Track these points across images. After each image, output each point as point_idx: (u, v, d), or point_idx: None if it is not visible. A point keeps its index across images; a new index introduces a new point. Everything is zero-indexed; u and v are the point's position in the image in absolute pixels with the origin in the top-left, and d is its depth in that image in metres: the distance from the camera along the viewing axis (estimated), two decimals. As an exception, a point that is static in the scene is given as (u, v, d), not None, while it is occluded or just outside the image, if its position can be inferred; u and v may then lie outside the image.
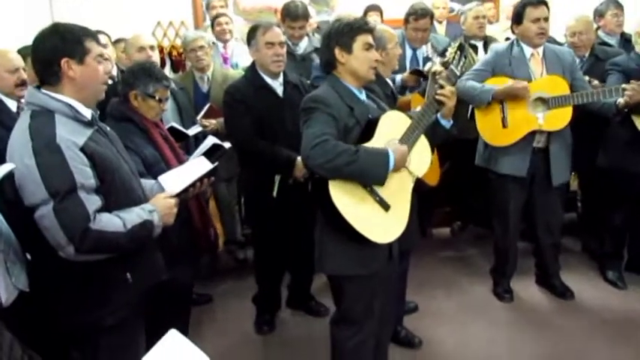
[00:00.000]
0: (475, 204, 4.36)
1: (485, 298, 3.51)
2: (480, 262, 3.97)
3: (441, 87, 2.35)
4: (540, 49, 3.19)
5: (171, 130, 2.82)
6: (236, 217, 4.02)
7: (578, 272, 3.72)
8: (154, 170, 2.33)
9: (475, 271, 3.86)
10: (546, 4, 3.16)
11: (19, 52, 2.85)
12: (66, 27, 1.78)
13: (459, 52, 2.46)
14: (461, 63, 2.47)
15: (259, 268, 3.29)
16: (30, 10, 5.03)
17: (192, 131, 3.16)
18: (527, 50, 3.18)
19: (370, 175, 2.11)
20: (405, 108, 3.08)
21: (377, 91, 2.68)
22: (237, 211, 4.06)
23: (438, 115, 2.39)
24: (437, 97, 2.34)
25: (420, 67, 3.71)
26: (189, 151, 2.97)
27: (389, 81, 3.13)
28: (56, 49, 1.73)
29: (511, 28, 3.32)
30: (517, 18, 3.18)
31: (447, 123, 2.41)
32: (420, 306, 3.37)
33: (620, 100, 3.04)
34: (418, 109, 2.50)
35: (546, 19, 3.13)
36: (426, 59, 3.65)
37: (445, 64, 2.46)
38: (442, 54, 3.65)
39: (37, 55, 1.76)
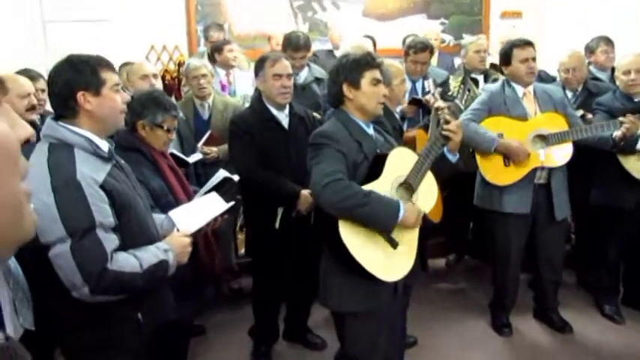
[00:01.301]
0: (470, 235, 4.37)
1: (484, 332, 3.49)
2: (476, 295, 3.95)
3: (447, 122, 2.36)
4: (531, 88, 3.25)
5: (172, 156, 2.77)
6: (232, 246, 3.96)
7: (575, 306, 3.72)
8: (161, 202, 2.29)
9: (472, 303, 3.84)
10: (532, 45, 3.23)
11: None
12: (80, 58, 1.74)
13: (462, 86, 2.48)
14: (465, 97, 2.50)
15: (257, 299, 3.24)
16: (24, 35, 5.00)
17: (193, 159, 3.13)
18: (519, 90, 3.23)
19: (378, 222, 2.12)
20: (410, 144, 3.09)
21: (385, 124, 2.69)
22: (233, 240, 4.00)
23: (445, 149, 2.40)
24: (443, 132, 2.34)
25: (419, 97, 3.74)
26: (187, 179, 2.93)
27: (396, 114, 3.14)
28: (71, 82, 1.70)
29: (500, 69, 3.38)
30: (505, 59, 3.23)
31: (453, 157, 2.42)
32: (419, 340, 3.33)
33: (618, 133, 3.10)
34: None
35: (534, 59, 3.20)
36: (427, 94, 3.68)
37: (445, 96, 2.48)
38: (441, 85, 3.70)
39: (52, 89, 1.72)
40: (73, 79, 1.70)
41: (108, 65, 1.78)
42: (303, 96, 3.70)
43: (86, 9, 5.30)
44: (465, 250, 4.50)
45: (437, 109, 3.00)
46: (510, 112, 3.18)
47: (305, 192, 2.78)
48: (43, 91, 3.11)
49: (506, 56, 3.22)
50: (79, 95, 1.70)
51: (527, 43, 3.20)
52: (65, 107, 1.72)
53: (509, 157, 3.14)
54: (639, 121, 3.07)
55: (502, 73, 3.36)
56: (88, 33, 5.19)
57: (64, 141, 1.68)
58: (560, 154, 3.12)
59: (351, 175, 2.14)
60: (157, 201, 2.30)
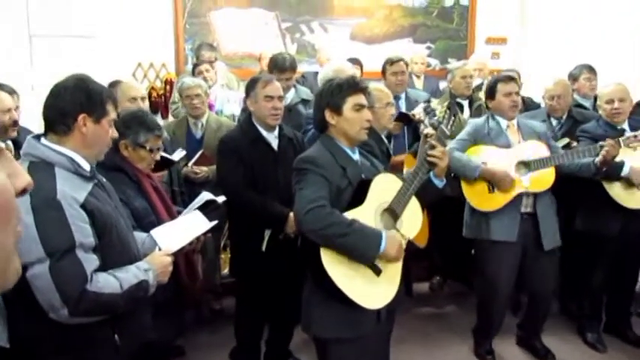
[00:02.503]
0: (454, 259, 4.36)
1: (467, 358, 3.46)
2: (460, 319, 3.92)
3: (432, 147, 2.34)
4: (514, 121, 3.29)
5: None
6: (216, 266, 3.91)
7: (558, 333, 3.70)
8: (144, 223, 2.25)
9: (456, 328, 3.81)
10: (515, 80, 3.31)
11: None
12: (94, 86, 1.78)
13: (448, 111, 2.48)
14: (451, 122, 2.49)
15: (240, 321, 3.20)
16: (9, 48, 4.95)
17: (177, 156, 3.10)
18: (503, 122, 3.27)
19: (359, 252, 2.09)
20: (398, 168, 3.09)
21: (372, 147, 2.69)
22: (217, 260, 3.95)
23: (431, 174, 2.39)
24: (428, 158, 2.32)
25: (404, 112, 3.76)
26: (175, 202, 2.90)
27: (384, 138, 3.14)
28: (78, 103, 1.71)
29: (485, 103, 3.44)
30: (490, 93, 3.30)
31: (440, 182, 2.40)
32: (401, 366, 3.30)
33: (599, 158, 3.12)
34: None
35: (517, 93, 3.28)
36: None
37: (427, 109, 2.47)
38: (427, 101, 3.73)
39: (55, 103, 1.72)
40: (82, 103, 1.72)
41: (114, 101, 1.83)
42: (289, 117, 3.69)
43: (73, 24, 5.28)
44: (449, 273, 4.48)
45: (426, 135, 3.01)
46: (495, 141, 3.23)
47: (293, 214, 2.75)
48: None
49: (491, 90, 3.29)
50: (81, 117, 1.71)
51: (511, 79, 3.29)
52: (61, 123, 1.71)
53: (493, 183, 3.16)
54: (618, 145, 3.10)
55: (487, 107, 3.40)
56: (74, 48, 5.17)
57: (45, 159, 1.67)
58: (544, 179, 3.15)
59: (335, 201, 2.13)
60: (139, 221, 2.26)
